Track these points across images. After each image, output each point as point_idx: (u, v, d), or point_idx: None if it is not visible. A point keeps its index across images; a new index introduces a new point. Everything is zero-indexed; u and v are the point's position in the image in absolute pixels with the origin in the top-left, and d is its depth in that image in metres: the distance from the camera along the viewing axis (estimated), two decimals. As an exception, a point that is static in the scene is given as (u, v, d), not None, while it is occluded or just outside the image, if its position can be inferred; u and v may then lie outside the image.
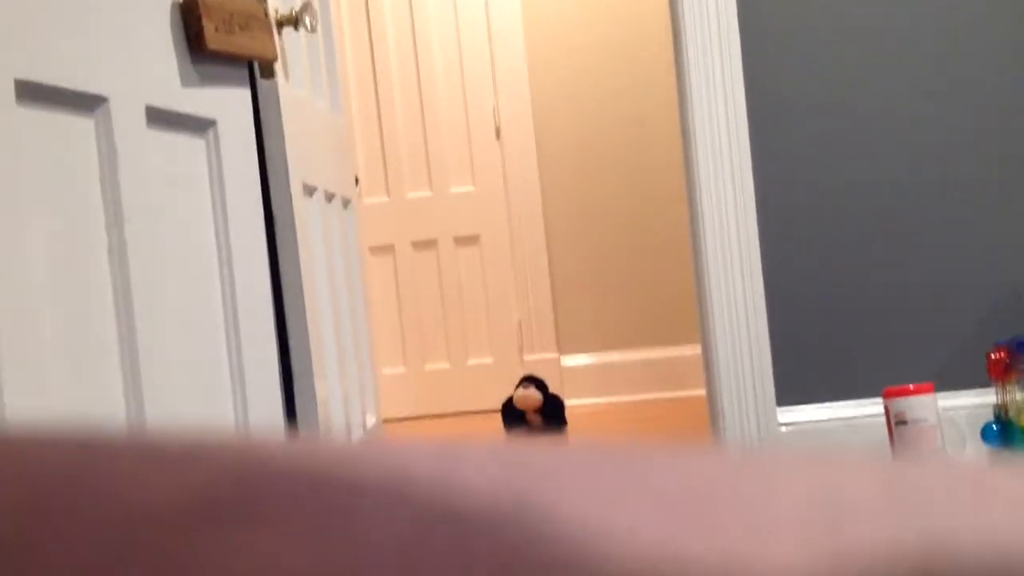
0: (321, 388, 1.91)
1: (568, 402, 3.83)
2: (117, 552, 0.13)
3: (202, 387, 1.48)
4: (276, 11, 1.85)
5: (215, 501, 0.15)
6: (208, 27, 1.47)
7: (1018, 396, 2.02)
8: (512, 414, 3.44)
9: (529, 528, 0.14)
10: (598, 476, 0.16)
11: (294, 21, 1.88)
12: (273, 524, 0.14)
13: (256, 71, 1.79)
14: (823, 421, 2.18)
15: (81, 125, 1.26)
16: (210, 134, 1.56)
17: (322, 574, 0.13)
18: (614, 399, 3.84)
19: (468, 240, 3.86)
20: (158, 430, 0.18)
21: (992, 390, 2.15)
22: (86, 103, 1.27)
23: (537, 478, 0.16)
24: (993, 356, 2.04)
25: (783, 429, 2.18)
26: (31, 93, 1.16)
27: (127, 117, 1.33)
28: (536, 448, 0.17)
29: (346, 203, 2.44)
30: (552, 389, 3.73)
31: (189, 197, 1.50)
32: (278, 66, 1.81)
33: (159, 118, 1.42)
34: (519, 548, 0.13)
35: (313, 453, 0.16)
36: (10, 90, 1.11)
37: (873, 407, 2.17)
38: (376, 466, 0.16)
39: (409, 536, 0.14)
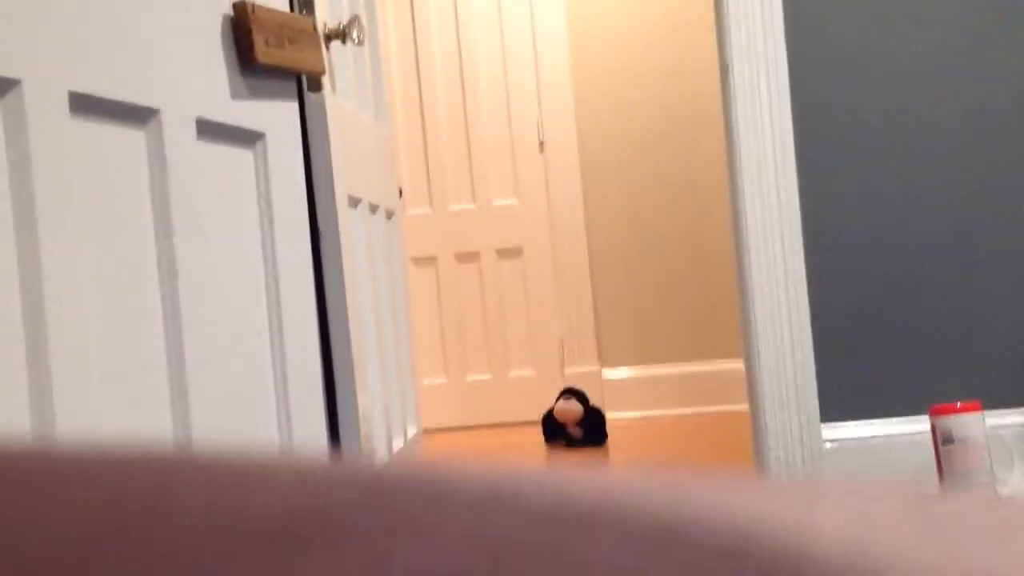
0: (363, 399, 1.92)
1: (609, 415, 3.82)
2: (216, 560, 0.14)
3: (247, 397, 1.50)
4: (325, 25, 1.87)
5: (301, 520, 0.15)
6: (258, 41, 1.49)
7: (1068, 416, 1.99)
8: (553, 426, 3.44)
9: (605, 531, 0.14)
10: (647, 493, 0.16)
11: (342, 35, 1.90)
12: (347, 546, 0.14)
13: (304, 84, 1.80)
14: (868, 438, 2.16)
15: (133, 137, 1.28)
16: (258, 146, 1.58)
17: None
18: (656, 413, 3.82)
19: (511, 252, 3.87)
20: (240, 450, 0.18)
21: (1041, 409, 2.12)
22: (138, 115, 1.29)
23: (592, 493, 0.16)
24: (1043, 375, 2.01)
25: (827, 446, 2.16)
26: (84, 105, 1.18)
27: (178, 129, 1.35)
28: (587, 477, 0.18)
29: (390, 215, 2.45)
30: (593, 402, 3.73)
31: (237, 209, 1.52)
32: (325, 79, 1.83)
33: (209, 130, 1.44)
34: (597, 549, 0.14)
35: (381, 478, 0.17)
36: (64, 103, 1.13)
37: (919, 424, 2.15)
38: (439, 492, 0.16)
39: (473, 562, 0.14)
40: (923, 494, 0.18)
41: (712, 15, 3.69)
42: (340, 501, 0.16)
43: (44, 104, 1.10)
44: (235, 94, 1.50)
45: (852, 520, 0.16)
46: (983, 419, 1.92)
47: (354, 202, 2.07)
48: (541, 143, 3.84)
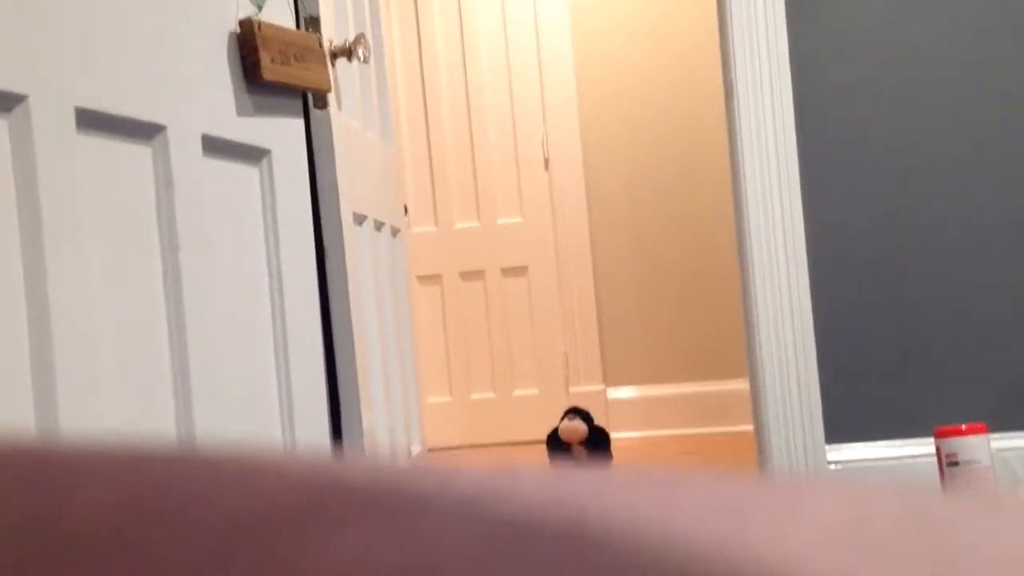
0: (367, 416, 1.91)
1: (613, 435, 3.81)
2: (222, 549, 0.14)
3: (251, 414, 1.50)
4: (331, 43, 1.88)
5: (303, 506, 0.16)
6: (264, 58, 1.50)
7: (1074, 438, 1.98)
8: (557, 445, 3.43)
9: (592, 535, 0.15)
10: (642, 492, 0.17)
11: (348, 53, 1.91)
12: (352, 527, 0.15)
13: (310, 101, 1.81)
14: (873, 460, 2.15)
15: (139, 152, 1.29)
16: (264, 163, 1.59)
17: (398, 570, 0.14)
18: (660, 432, 3.81)
19: (515, 271, 3.87)
20: (245, 447, 0.19)
21: (1047, 432, 2.11)
22: (144, 131, 1.29)
23: (591, 494, 0.17)
24: (1048, 397, 2.00)
25: (832, 467, 2.15)
26: (91, 121, 1.19)
27: (184, 145, 1.35)
28: (586, 471, 0.19)
29: (395, 232, 2.45)
30: (597, 421, 3.72)
31: (242, 224, 1.52)
32: (331, 96, 1.83)
33: (215, 147, 1.45)
34: (585, 552, 0.14)
35: (381, 468, 0.18)
36: (71, 118, 1.14)
37: (925, 447, 2.14)
38: (440, 479, 0.17)
39: (476, 536, 0.15)
40: (910, 500, 0.18)
41: (717, 37, 3.70)
42: (344, 486, 0.16)
43: (51, 119, 1.10)
44: (241, 111, 1.50)
45: (829, 540, 0.16)
46: (988, 441, 1.91)
47: (359, 219, 2.07)
48: (546, 161, 3.85)
